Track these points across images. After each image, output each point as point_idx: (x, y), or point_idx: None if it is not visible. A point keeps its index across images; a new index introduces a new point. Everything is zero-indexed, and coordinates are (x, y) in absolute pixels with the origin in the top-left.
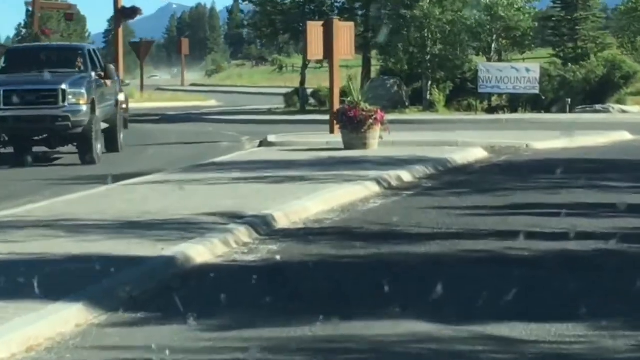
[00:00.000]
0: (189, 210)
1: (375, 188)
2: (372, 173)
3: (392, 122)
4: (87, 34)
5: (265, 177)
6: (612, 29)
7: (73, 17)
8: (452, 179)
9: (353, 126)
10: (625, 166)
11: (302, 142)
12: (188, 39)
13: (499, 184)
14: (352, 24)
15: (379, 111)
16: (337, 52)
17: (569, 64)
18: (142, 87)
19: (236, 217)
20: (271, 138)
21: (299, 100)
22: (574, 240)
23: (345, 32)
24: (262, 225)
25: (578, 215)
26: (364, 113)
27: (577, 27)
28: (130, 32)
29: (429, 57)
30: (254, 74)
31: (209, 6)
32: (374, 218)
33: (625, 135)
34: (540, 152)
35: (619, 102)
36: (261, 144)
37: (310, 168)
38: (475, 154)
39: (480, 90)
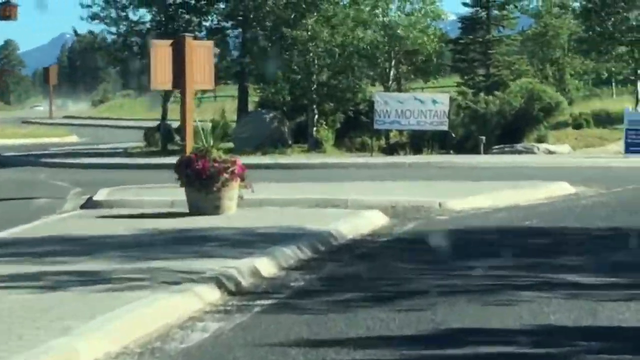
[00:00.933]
0: None
1: (212, 295)
2: (214, 264)
3: (268, 166)
4: None
5: (42, 276)
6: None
7: None
8: (335, 270)
9: (201, 183)
10: (584, 241)
11: (139, 201)
12: (79, 67)
13: (407, 282)
14: (210, 43)
15: (237, 162)
16: (191, 81)
17: (481, 94)
18: None
19: None
20: (100, 195)
21: (161, 138)
22: None
23: (202, 55)
24: None
25: None
26: (217, 164)
27: (489, 51)
28: (20, 62)
29: (315, 85)
30: (138, 105)
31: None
32: None
33: (566, 187)
34: (459, 214)
35: (540, 139)
36: (86, 204)
37: (123, 254)
38: (371, 221)
39: (376, 126)
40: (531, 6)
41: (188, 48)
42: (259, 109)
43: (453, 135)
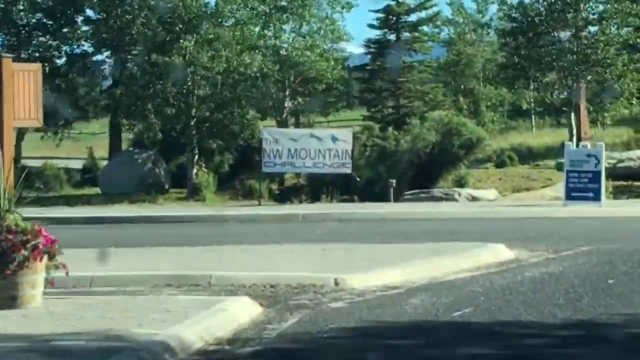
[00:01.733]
0: None
1: None
2: None
3: (131, 220)
4: None
5: None
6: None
7: None
8: None
9: None
10: (547, 349)
11: None
12: None
13: None
14: (37, 66)
15: (43, 231)
16: (10, 116)
17: (390, 129)
18: None
19: None
20: None
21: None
22: None
23: (26, 82)
24: None
25: None
26: (12, 237)
27: (399, 79)
28: None
29: (194, 120)
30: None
31: None
32: None
33: (501, 251)
34: (361, 298)
35: (460, 181)
36: None
37: None
38: (234, 316)
39: (265, 169)
40: (442, 34)
41: (6, 73)
42: (132, 147)
43: (357, 179)
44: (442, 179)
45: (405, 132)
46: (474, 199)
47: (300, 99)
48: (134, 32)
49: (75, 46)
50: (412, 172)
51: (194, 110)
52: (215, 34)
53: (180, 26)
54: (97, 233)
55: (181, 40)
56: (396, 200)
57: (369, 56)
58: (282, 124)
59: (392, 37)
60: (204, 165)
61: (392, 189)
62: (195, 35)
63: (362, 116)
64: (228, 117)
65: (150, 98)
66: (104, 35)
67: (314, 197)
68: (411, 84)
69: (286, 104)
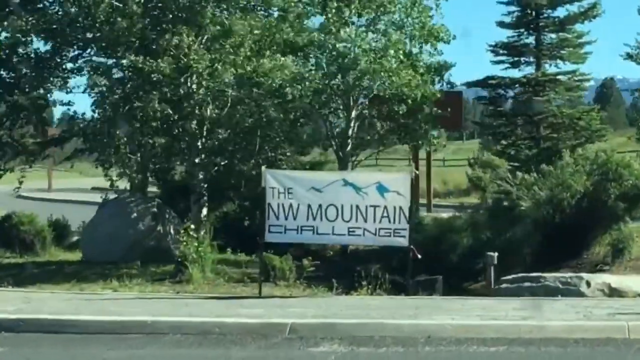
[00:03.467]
0: None
1: None
2: None
3: (31, 327)
4: None
5: None
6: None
7: None
8: None
9: None
10: None
11: None
12: None
13: None
14: None
15: None
16: None
17: (523, 170)
18: None
19: None
20: None
21: None
22: None
23: None
24: None
25: None
26: None
27: (537, 98)
28: None
29: (201, 157)
30: None
31: None
32: None
33: None
34: None
35: (618, 246)
36: None
37: None
38: None
39: (268, 238)
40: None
41: None
42: (137, 192)
43: (419, 256)
44: (596, 245)
45: (545, 176)
46: (612, 292)
47: (378, 124)
48: (97, 22)
49: (27, 41)
50: (540, 236)
51: (202, 139)
52: (228, 23)
53: (176, 13)
54: None
55: (167, 35)
56: (495, 289)
57: (491, 55)
58: (344, 165)
59: (531, 39)
60: (191, 226)
61: (492, 268)
62: (198, 28)
63: (479, 150)
64: (249, 152)
65: (123, 120)
66: (54, 26)
67: (349, 288)
68: (554, 106)
69: (350, 132)
